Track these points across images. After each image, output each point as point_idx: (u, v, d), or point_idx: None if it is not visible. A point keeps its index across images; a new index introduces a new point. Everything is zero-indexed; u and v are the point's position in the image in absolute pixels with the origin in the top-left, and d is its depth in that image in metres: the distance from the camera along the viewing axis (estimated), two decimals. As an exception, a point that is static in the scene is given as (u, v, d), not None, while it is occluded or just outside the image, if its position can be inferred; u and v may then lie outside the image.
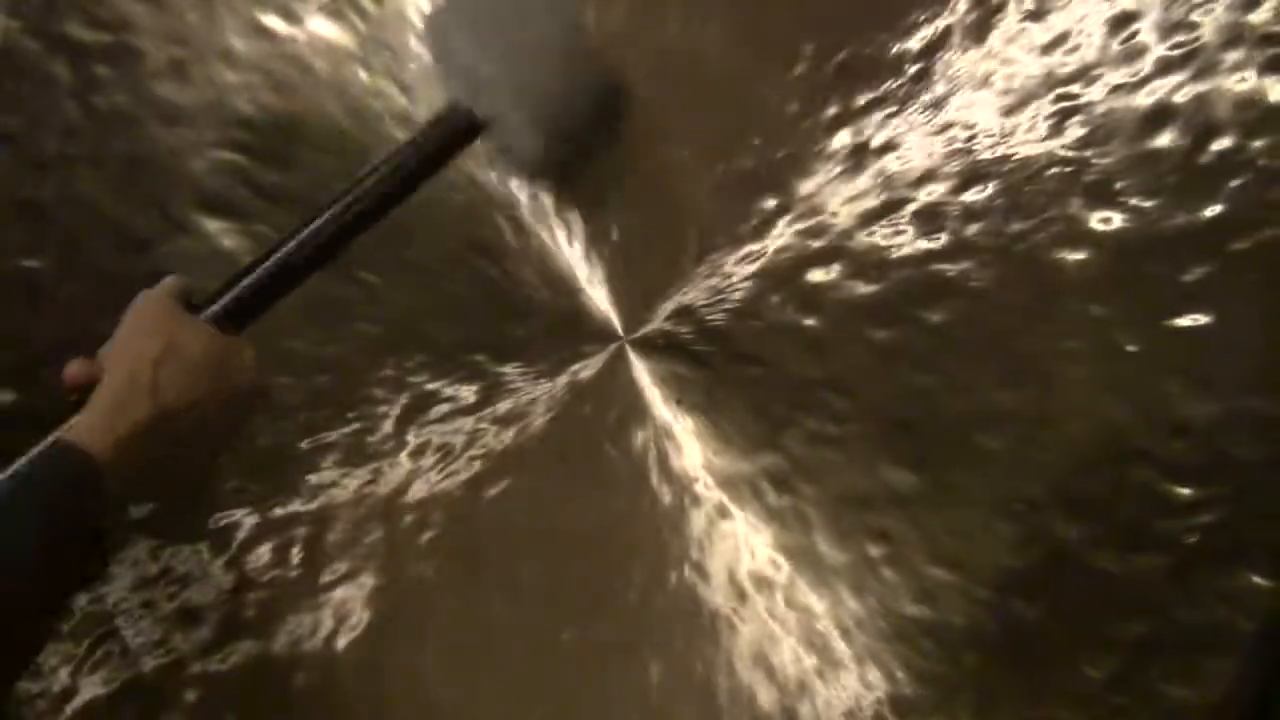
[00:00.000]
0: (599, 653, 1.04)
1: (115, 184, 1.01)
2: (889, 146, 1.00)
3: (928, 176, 1.00)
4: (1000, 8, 0.99)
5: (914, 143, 1.00)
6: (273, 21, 1.00)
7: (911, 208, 1.00)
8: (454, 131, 0.91)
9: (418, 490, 1.04)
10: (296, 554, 1.04)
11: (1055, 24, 0.98)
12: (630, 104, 0.96)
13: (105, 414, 0.80)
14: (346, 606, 1.04)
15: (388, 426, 1.03)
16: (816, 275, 1.01)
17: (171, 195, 1.02)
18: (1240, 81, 0.97)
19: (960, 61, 0.99)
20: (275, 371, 1.02)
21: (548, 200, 1.02)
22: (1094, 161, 0.98)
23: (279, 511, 1.04)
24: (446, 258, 1.02)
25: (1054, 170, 0.99)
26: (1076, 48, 0.98)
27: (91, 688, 1.02)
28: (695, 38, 1.01)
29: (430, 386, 1.03)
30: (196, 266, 1.01)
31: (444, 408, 1.03)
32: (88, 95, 1.00)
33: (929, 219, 1.00)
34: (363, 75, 1.00)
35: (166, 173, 1.01)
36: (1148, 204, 0.98)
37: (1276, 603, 0.99)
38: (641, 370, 1.03)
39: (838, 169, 1.01)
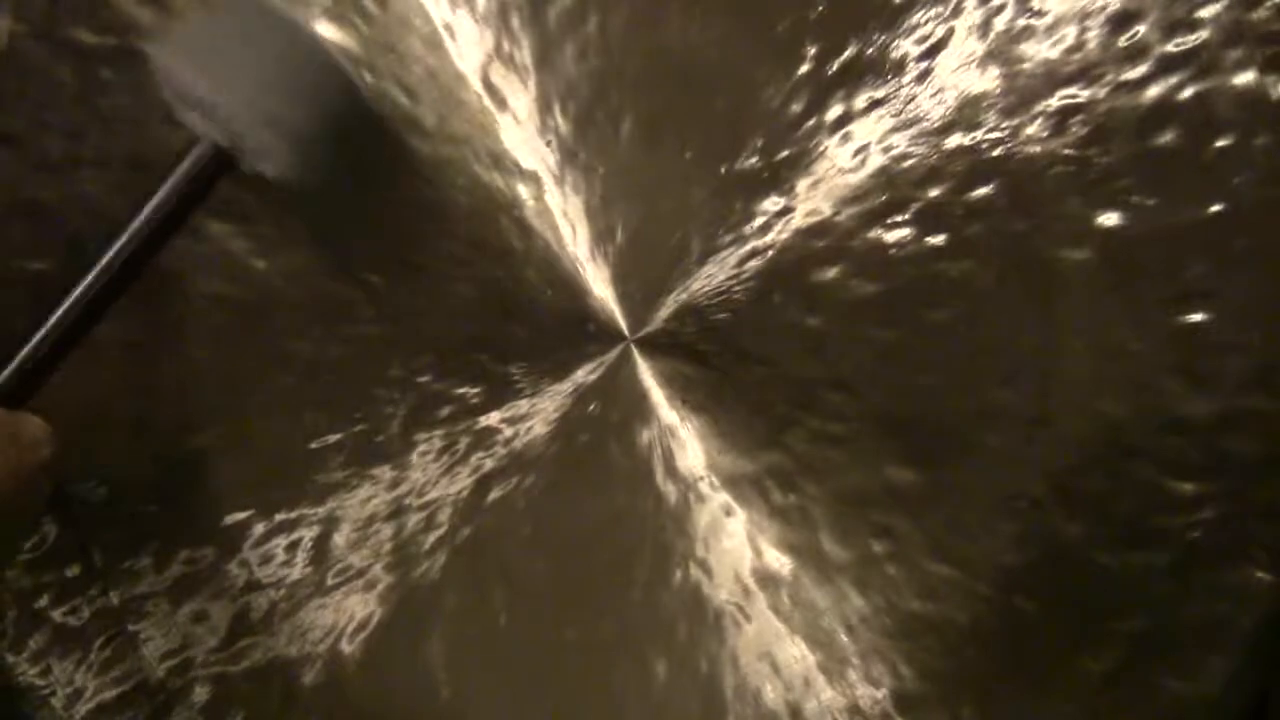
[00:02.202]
0: (604, 651, 1.04)
1: (118, 186, 1.01)
2: (891, 146, 1.01)
3: (930, 176, 1.00)
4: (1002, 7, 0.99)
5: (916, 142, 1.00)
6: (276, 24, 1.00)
7: (914, 207, 1.01)
8: (202, 168, 0.90)
9: (424, 490, 1.04)
10: (304, 555, 1.04)
11: (1057, 23, 0.99)
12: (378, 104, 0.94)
13: None
14: (354, 606, 1.04)
15: (394, 427, 1.03)
16: (819, 275, 1.02)
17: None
18: (1242, 80, 0.97)
19: (962, 61, 0.99)
20: (280, 372, 1.03)
21: (553, 200, 1.02)
22: (1095, 160, 0.99)
23: (286, 513, 1.04)
24: (451, 259, 1.02)
25: (1056, 169, 0.99)
26: (1078, 46, 0.98)
27: (102, 688, 1.02)
28: (695, 38, 1.01)
29: (436, 387, 1.03)
30: (197, 268, 1.02)
31: (450, 408, 1.04)
32: (91, 98, 0.99)
33: (931, 218, 1.00)
34: (366, 78, 1.00)
35: (169, 175, 1.01)
36: (1149, 202, 0.98)
37: (1276, 598, 0.99)
38: (646, 370, 1.03)
39: (840, 169, 1.01)
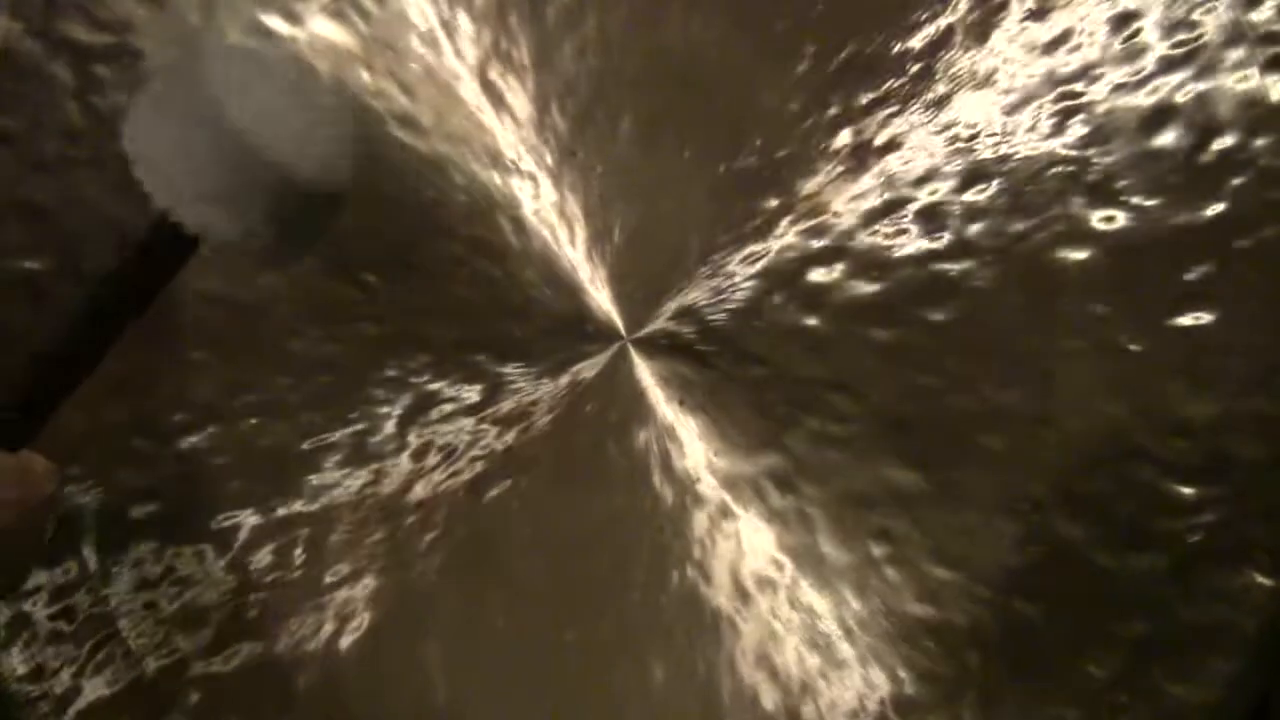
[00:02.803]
0: (601, 653, 1.04)
1: (116, 185, 1.01)
2: (891, 146, 1.00)
3: (929, 176, 1.00)
4: (1002, 7, 0.99)
5: (916, 142, 1.00)
6: (274, 22, 1.00)
7: (913, 207, 1.00)
8: (165, 246, 0.87)
9: (420, 491, 1.04)
10: (299, 555, 1.04)
11: (1057, 23, 0.99)
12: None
13: None
14: (348, 607, 1.04)
15: (390, 427, 1.03)
16: (818, 275, 1.01)
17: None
18: (1242, 80, 0.97)
19: (962, 60, 0.99)
20: (276, 372, 1.03)
21: (550, 200, 1.02)
22: (1096, 160, 0.99)
23: (281, 512, 1.03)
24: (448, 258, 1.02)
25: (1056, 169, 0.99)
26: (1078, 47, 0.98)
27: (94, 689, 1.02)
28: (695, 37, 1.01)
29: (432, 387, 1.03)
30: (198, 267, 1.01)
31: (446, 408, 1.03)
32: (88, 96, 0.99)
33: (931, 218, 1.00)
34: (365, 76, 1.00)
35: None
36: (1149, 203, 0.98)
37: (1278, 601, 0.99)
38: (644, 370, 1.03)
39: (839, 169, 1.01)
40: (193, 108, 0.83)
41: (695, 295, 1.02)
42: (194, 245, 0.86)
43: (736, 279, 1.02)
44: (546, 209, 1.02)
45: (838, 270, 1.01)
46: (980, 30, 0.99)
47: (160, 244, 0.86)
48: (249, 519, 1.03)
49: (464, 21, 1.00)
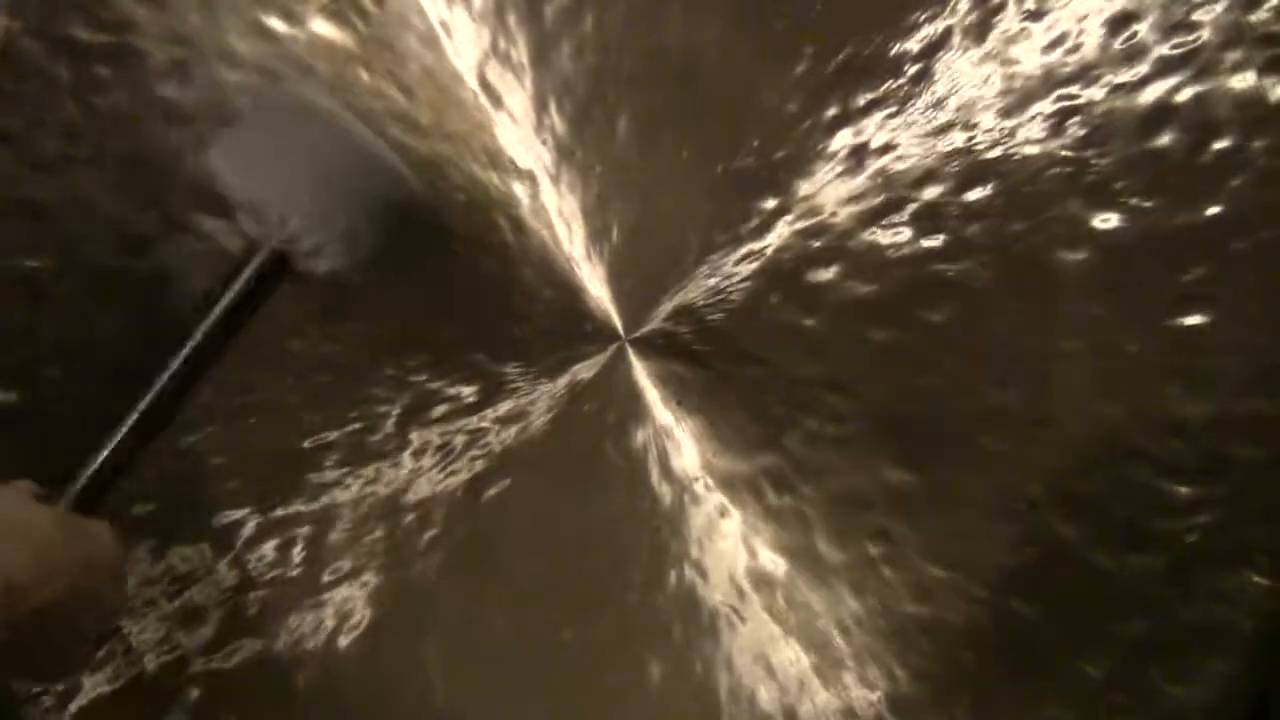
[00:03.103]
0: (599, 652, 1.04)
1: (116, 184, 1.01)
2: (889, 147, 1.00)
3: (927, 176, 1.00)
4: (1000, 8, 0.99)
5: (914, 143, 1.00)
6: (274, 23, 1.00)
7: (911, 208, 1.00)
8: (260, 271, 0.90)
9: (419, 490, 1.04)
10: (298, 553, 1.04)
11: (1055, 24, 0.99)
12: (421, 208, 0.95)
13: None
14: (348, 605, 1.04)
15: (389, 426, 1.03)
16: (816, 275, 1.01)
17: (172, 195, 1.01)
18: (1240, 81, 0.97)
19: (960, 62, 0.99)
20: (276, 372, 1.03)
21: (549, 199, 1.02)
22: (1094, 161, 0.99)
23: (281, 511, 1.03)
24: (447, 257, 1.02)
25: (1054, 170, 0.99)
26: (1077, 48, 0.98)
27: (95, 686, 1.02)
28: (693, 37, 1.01)
29: (431, 386, 1.03)
30: (197, 267, 1.02)
31: (444, 407, 1.03)
32: (89, 96, 0.99)
33: (929, 219, 1.00)
34: (364, 76, 1.00)
35: (167, 173, 1.01)
36: (1147, 204, 0.98)
37: (1276, 602, 0.99)
38: (642, 370, 1.03)
39: (838, 169, 1.01)
40: (287, 135, 0.88)
41: (693, 295, 1.02)
42: (283, 276, 0.89)
43: (734, 279, 1.02)
44: (545, 209, 1.02)
45: (835, 270, 1.01)
46: (978, 32, 0.99)
47: (255, 276, 0.89)
48: (249, 517, 1.03)
49: (462, 21, 1.00)
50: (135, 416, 0.89)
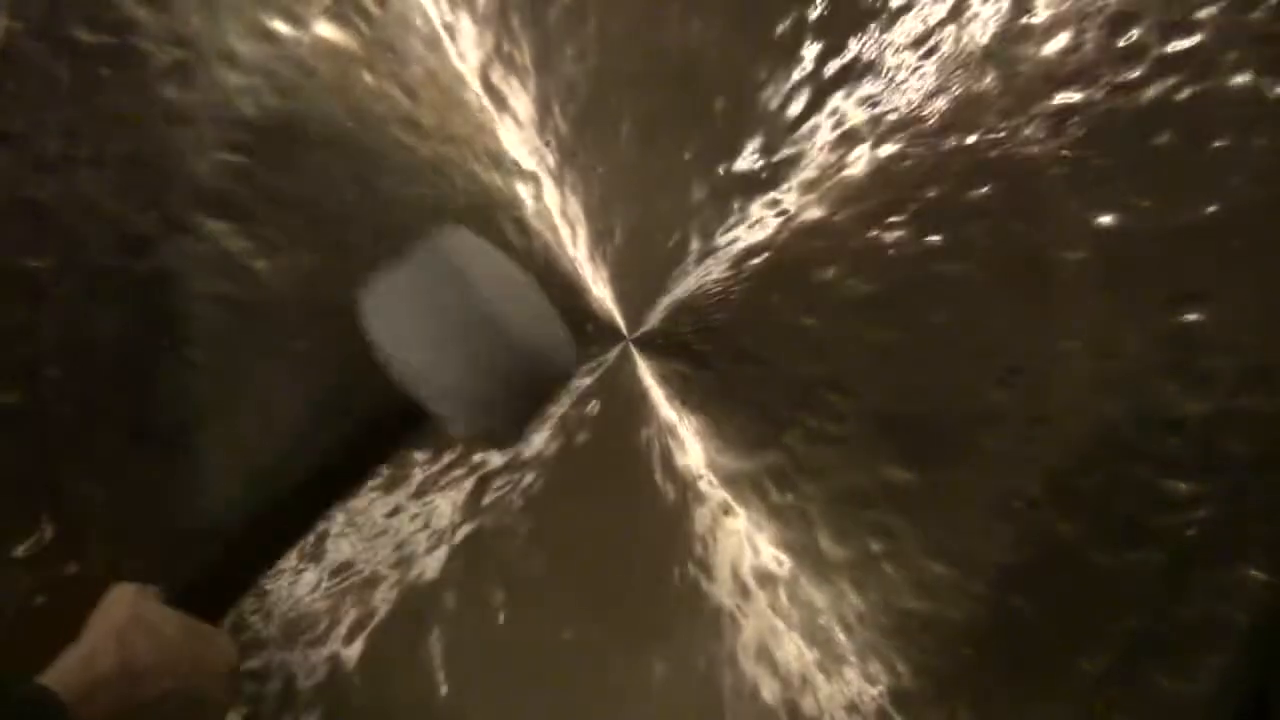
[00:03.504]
0: (602, 649, 1.04)
1: (117, 185, 1.01)
2: (889, 147, 1.01)
3: (928, 177, 1.01)
4: (1000, 8, 0.99)
5: (914, 143, 1.00)
6: (276, 24, 1.00)
7: (912, 208, 1.01)
8: (397, 418, 0.90)
9: (423, 490, 1.04)
10: (299, 553, 1.04)
11: (1055, 24, 0.99)
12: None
13: (73, 665, 0.82)
14: (352, 606, 1.04)
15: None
16: (817, 275, 1.02)
17: (173, 196, 1.01)
18: (1239, 81, 0.97)
19: (960, 62, 1.00)
20: (277, 372, 1.03)
21: (551, 200, 1.03)
22: (1093, 161, 0.99)
23: (283, 512, 1.04)
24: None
25: (1053, 170, 1.00)
26: (1076, 48, 0.99)
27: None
28: (695, 38, 1.01)
29: (434, 387, 1.03)
30: (197, 268, 1.02)
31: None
32: (90, 96, 0.99)
33: (929, 219, 1.01)
34: (367, 78, 1.00)
35: (168, 174, 1.01)
36: (1146, 203, 0.99)
37: (1272, 597, 1.00)
38: (645, 370, 1.03)
39: (838, 169, 1.01)
40: (443, 293, 0.85)
41: (695, 295, 1.03)
42: (424, 422, 0.88)
43: (736, 279, 1.02)
44: (548, 210, 1.02)
45: (836, 270, 1.02)
46: (978, 32, 0.99)
47: (394, 422, 0.89)
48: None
49: (466, 24, 1.00)
50: (256, 538, 0.91)
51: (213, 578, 0.91)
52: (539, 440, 1.04)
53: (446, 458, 1.03)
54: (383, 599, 1.04)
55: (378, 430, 0.91)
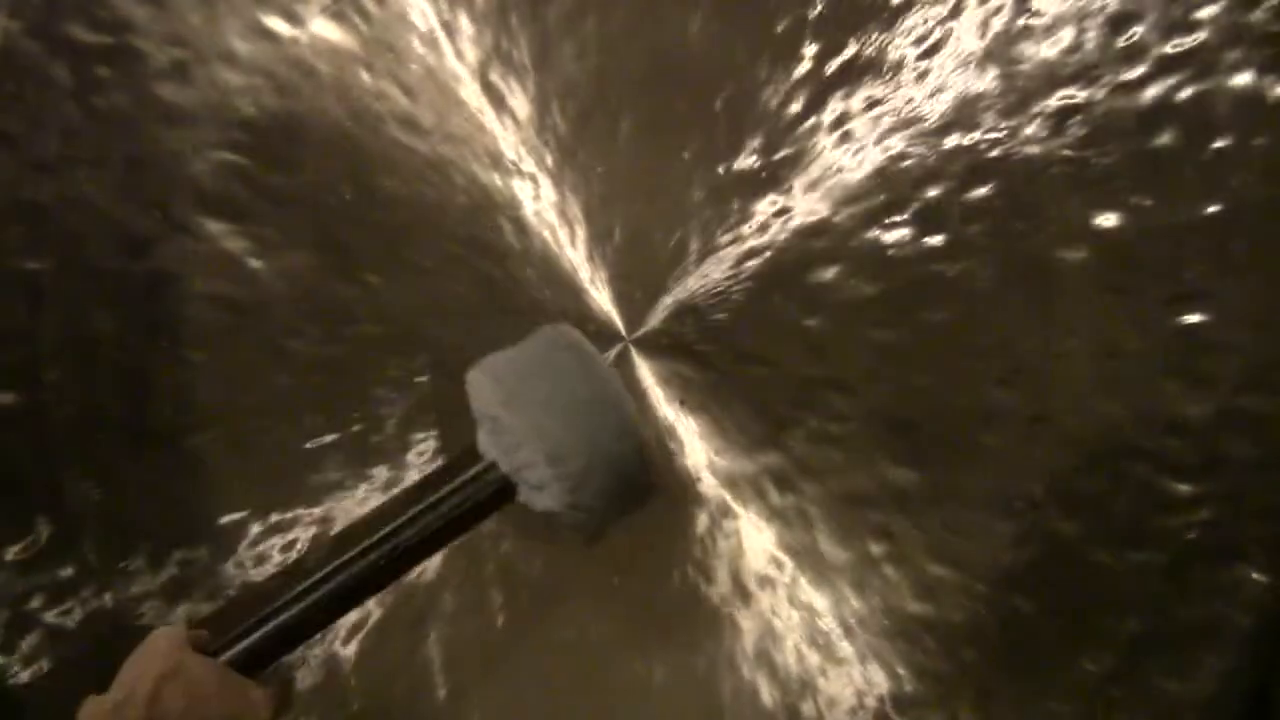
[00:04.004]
0: (601, 651, 1.04)
1: (116, 185, 1.01)
2: (889, 146, 1.01)
3: (928, 176, 1.00)
4: (1001, 8, 0.99)
5: (915, 143, 1.00)
6: (275, 23, 1.00)
7: (912, 207, 1.01)
8: (487, 494, 0.88)
9: (421, 490, 1.04)
10: (299, 553, 1.04)
11: (1055, 24, 0.99)
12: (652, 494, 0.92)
13: (102, 713, 0.81)
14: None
15: (391, 428, 1.03)
16: (818, 275, 1.02)
17: (173, 196, 1.01)
18: (1239, 81, 0.97)
19: (961, 61, 1.00)
20: (276, 372, 1.03)
21: (551, 200, 1.02)
22: (1094, 161, 0.99)
23: (282, 513, 1.03)
24: (449, 258, 1.02)
25: (1054, 170, 0.99)
26: (1077, 47, 0.99)
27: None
28: (694, 37, 1.01)
29: (433, 387, 1.03)
30: (196, 268, 1.02)
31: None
32: (89, 96, 0.99)
33: (930, 219, 1.01)
34: (365, 77, 1.00)
35: (168, 174, 1.01)
36: (1147, 203, 0.99)
37: (1272, 597, 1.00)
38: (644, 370, 1.03)
39: (838, 169, 1.01)
40: (556, 379, 0.86)
41: (695, 295, 1.02)
42: (509, 500, 0.88)
43: (736, 279, 1.02)
44: (547, 210, 1.02)
45: (837, 270, 1.01)
46: (979, 31, 0.99)
47: (488, 497, 0.88)
48: (250, 519, 1.03)
49: (465, 23, 1.00)
50: (323, 592, 0.87)
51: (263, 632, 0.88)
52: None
53: (442, 459, 1.03)
54: (380, 601, 1.04)
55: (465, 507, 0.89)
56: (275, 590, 0.88)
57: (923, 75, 1.00)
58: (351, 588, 0.87)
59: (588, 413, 0.85)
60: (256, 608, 0.87)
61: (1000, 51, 0.99)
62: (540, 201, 1.02)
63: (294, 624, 0.87)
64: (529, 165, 1.02)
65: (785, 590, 1.03)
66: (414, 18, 1.00)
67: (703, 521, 1.03)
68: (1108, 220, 0.99)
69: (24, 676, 1.02)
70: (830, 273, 1.01)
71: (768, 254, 1.02)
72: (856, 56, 1.00)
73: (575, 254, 1.03)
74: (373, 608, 1.04)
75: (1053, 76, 0.99)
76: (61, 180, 1.00)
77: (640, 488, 0.90)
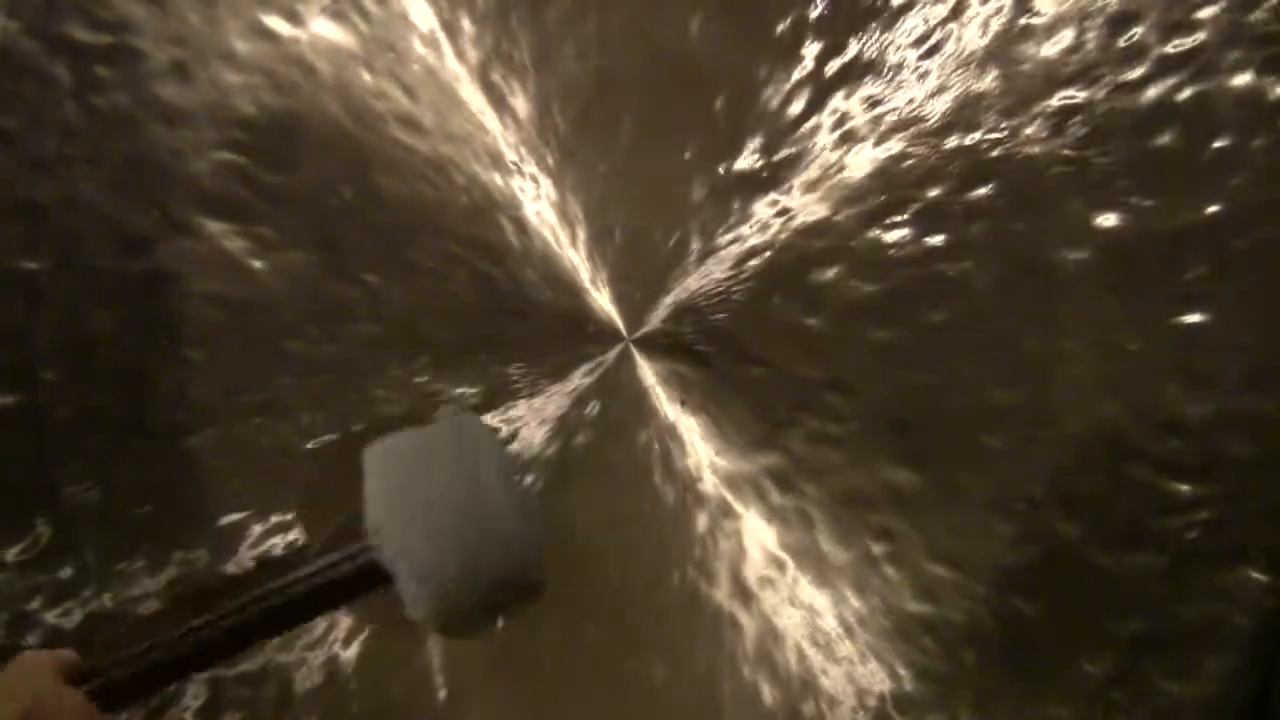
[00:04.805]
0: (602, 652, 1.04)
1: (115, 185, 1.01)
2: (890, 146, 1.01)
3: (929, 177, 1.00)
4: (1001, 8, 0.99)
5: (915, 143, 1.00)
6: (275, 23, 1.00)
7: (913, 208, 1.01)
8: (357, 574, 0.85)
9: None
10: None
11: (1056, 24, 0.99)
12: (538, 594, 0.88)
13: None
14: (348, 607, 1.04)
15: (391, 428, 1.02)
16: (818, 275, 1.02)
17: (172, 196, 1.01)
18: (1240, 81, 0.97)
19: (961, 61, 1.00)
20: (276, 372, 1.02)
21: (551, 200, 1.02)
22: (1094, 161, 0.99)
23: (282, 514, 1.03)
24: (448, 258, 1.02)
25: (1054, 170, 0.99)
26: (1077, 47, 0.99)
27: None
28: (694, 37, 1.01)
29: (434, 387, 1.03)
30: (195, 268, 1.01)
31: (447, 409, 1.03)
32: (88, 96, 0.99)
33: (930, 219, 1.01)
34: (365, 76, 1.00)
35: (167, 174, 1.01)
36: (1148, 203, 0.99)
37: (1273, 599, 1.00)
38: (645, 370, 1.03)
39: (839, 169, 1.01)
40: (444, 470, 0.83)
41: (696, 295, 1.02)
42: (384, 585, 0.84)
43: (737, 279, 1.02)
44: (547, 209, 1.02)
45: (837, 270, 1.01)
46: (979, 32, 0.99)
47: (359, 580, 0.84)
48: (251, 520, 1.03)
49: (465, 23, 1.01)
50: (190, 643, 0.85)
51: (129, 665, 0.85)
52: (539, 441, 1.03)
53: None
54: (381, 600, 1.03)
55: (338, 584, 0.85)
56: (155, 628, 0.86)
57: (923, 75, 1.00)
58: (211, 642, 0.85)
59: (467, 537, 0.82)
60: (137, 642, 0.84)
61: (1001, 52, 1.00)
62: (541, 201, 1.02)
63: (165, 666, 0.85)
64: (529, 165, 1.02)
65: (786, 590, 1.03)
66: (414, 17, 1.00)
67: (703, 522, 1.03)
68: (1108, 220, 0.99)
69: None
70: (831, 273, 1.01)
71: (768, 254, 1.02)
72: (857, 57, 1.00)
73: (576, 254, 1.02)
74: (371, 610, 1.03)
75: (1053, 77, 0.99)
76: (60, 179, 1.00)
77: (525, 590, 0.87)
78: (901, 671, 1.03)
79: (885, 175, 1.01)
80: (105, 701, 0.82)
